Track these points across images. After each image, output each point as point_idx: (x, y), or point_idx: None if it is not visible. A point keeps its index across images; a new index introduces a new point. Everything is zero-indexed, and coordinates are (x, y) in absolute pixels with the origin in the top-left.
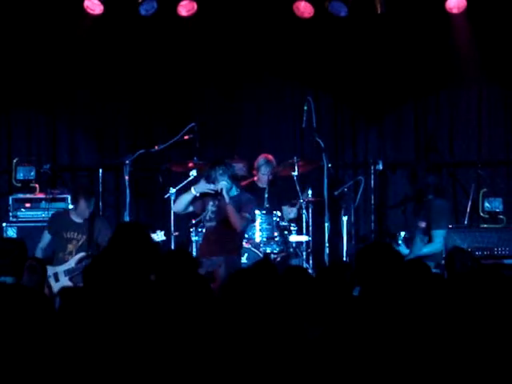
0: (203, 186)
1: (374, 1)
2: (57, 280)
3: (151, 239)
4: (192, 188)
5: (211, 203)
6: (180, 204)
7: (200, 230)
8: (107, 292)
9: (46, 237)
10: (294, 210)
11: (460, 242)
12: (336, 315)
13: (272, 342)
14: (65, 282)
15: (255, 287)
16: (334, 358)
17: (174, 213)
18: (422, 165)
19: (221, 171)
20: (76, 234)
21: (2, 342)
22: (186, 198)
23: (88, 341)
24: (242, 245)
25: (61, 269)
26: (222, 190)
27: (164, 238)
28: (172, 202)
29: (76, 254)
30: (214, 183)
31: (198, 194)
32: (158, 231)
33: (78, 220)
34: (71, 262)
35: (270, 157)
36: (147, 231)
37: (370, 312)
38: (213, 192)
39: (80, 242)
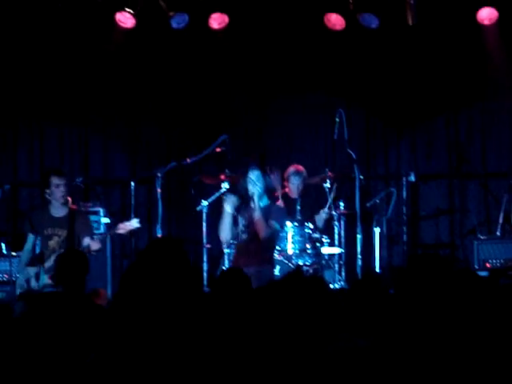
0: (233, 199)
1: (406, 12)
2: (37, 279)
3: (189, 260)
4: (226, 207)
5: (241, 219)
6: (225, 231)
7: (232, 242)
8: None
9: (30, 238)
10: (324, 214)
11: (493, 253)
12: (378, 325)
13: (304, 354)
14: (45, 280)
15: (286, 298)
16: (382, 368)
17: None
18: None
19: (256, 174)
20: (56, 229)
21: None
22: (225, 222)
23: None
24: (273, 255)
25: (42, 268)
26: (253, 194)
27: (138, 225)
28: (204, 215)
29: (59, 251)
30: (246, 190)
31: (234, 213)
32: (133, 219)
33: (57, 214)
34: (51, 260)
35: (300, 167)
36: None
37: (417, 321)
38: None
39: (62, 238)
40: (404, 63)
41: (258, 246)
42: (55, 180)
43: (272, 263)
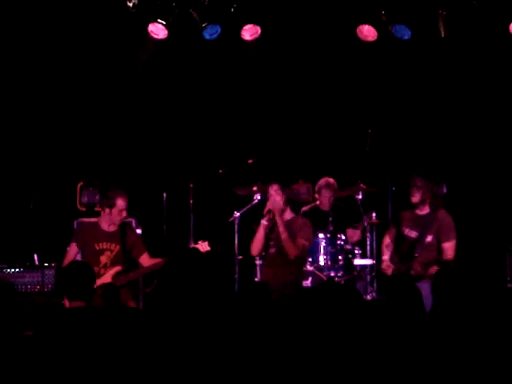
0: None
1: (438, 24)
2: None
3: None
4: (262, 220)
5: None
6: (257, 243)
7: (264, 253)
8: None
9: (73, 250)
10: (358, 232)
11: None
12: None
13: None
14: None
15: (318, 309)
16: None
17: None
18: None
19: (275, 188)
20: (108, 244)
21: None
22: (259, 233)
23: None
24: (302, 268)
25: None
26: (273, 213)
27: (208, 248)
28: (236, 225)
29: (111, 267)
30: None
31: (266, 222)
32: (201, 241)
33: (109, 229)
34: (107, 277)
35: (331, 180)
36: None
37: (445, 331)
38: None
39: (114, 253)
40: (436, 75)
41: (286, 259)
42: (121, 203)
43: (301, 275)
